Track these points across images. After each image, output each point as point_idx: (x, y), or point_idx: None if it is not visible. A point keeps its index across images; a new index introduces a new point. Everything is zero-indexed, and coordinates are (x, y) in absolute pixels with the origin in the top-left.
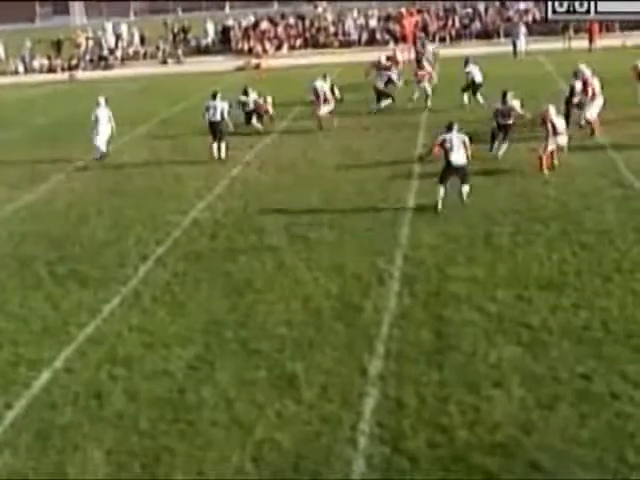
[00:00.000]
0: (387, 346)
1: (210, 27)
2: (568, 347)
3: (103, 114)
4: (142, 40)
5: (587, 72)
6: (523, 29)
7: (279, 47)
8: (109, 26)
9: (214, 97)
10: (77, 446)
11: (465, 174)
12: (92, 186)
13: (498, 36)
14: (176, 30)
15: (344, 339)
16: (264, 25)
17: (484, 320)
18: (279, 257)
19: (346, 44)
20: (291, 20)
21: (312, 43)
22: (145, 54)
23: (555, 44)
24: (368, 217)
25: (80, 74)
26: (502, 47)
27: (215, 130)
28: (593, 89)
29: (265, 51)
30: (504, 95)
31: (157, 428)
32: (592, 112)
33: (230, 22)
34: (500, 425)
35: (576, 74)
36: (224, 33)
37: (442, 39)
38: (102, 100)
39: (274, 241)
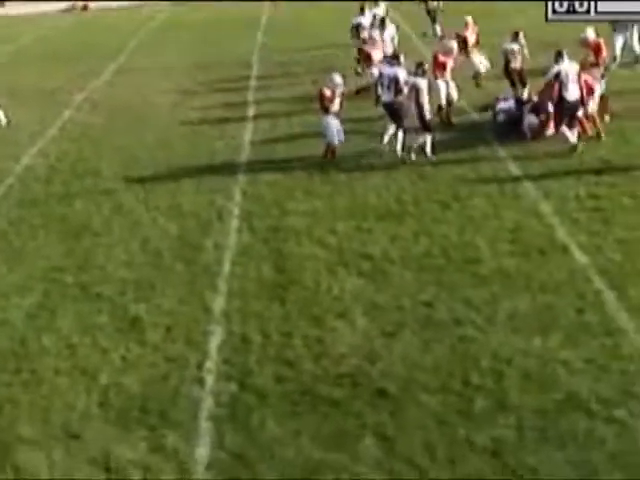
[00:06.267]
0: (229, 283)
1: None
2: (410, 276)
3: None
4: None
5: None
6: None
7: None
8: None
9: None
10: None
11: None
12: None
13: None
14: None
15: (186, 278)
16: None
17: (325, 253)
18: (116, 199)
19: None
20: None
21: None
22: None
23: None
24: (204, 155)
25: None
26: None
27: None
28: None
29: None
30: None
31: None
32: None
33: None
34: (345, 356)
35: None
36: None
37: None
38: None
39: (110, 184)
